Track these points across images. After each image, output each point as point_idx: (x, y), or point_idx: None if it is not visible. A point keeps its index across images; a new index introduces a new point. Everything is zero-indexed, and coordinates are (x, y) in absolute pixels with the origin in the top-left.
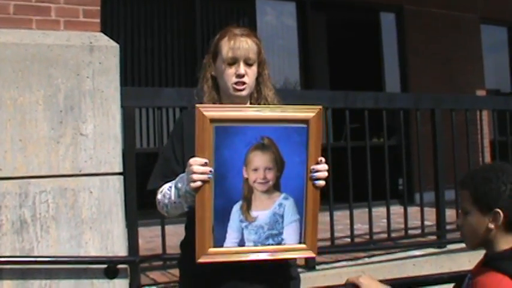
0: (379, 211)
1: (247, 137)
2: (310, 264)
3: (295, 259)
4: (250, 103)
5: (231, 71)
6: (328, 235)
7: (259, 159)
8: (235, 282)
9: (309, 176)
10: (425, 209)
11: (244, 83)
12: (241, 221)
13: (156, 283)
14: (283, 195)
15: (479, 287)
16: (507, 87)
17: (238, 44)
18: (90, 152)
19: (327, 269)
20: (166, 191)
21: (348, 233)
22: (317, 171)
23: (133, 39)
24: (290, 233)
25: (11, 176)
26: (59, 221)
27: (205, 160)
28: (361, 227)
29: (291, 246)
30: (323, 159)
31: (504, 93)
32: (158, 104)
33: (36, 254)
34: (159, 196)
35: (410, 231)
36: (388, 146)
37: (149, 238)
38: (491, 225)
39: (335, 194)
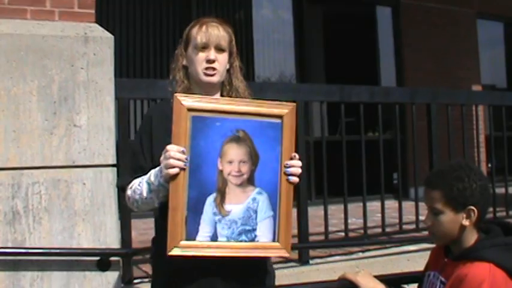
0: (374, 205)
1: (223, 128)
2: (303, 259)
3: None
4: (222, 95)
5: (201, 55)
6: (322, 229)
7: (234, 152)
8: (211, 278)
9: (283, 171)
10: (420, 203)
11: (214, 69)
12: (214, 214)
13: (148, 276)
14: (257, 189)
15: (471, 279)
16: (503, 82)
17: (209, 30)
18: (84, 143)
19: (321, 263)
20: (137, 187)
21: (342, 227)
22: (291, 166)
23: (129, 31)
24: (264, 230)
25: (4, 166)
26: (51, 212)
27: (182, 148)
28: (355, 222)
29: (265, 244)
30: (297, 156)
31: (500, 89)
32: (152, 95)
33: (28, 245)
34: (128, 192)
35: (404, 226)
36: (383, 140)
37: (142, 230)
38: (466, 222)
39: (329, 188)
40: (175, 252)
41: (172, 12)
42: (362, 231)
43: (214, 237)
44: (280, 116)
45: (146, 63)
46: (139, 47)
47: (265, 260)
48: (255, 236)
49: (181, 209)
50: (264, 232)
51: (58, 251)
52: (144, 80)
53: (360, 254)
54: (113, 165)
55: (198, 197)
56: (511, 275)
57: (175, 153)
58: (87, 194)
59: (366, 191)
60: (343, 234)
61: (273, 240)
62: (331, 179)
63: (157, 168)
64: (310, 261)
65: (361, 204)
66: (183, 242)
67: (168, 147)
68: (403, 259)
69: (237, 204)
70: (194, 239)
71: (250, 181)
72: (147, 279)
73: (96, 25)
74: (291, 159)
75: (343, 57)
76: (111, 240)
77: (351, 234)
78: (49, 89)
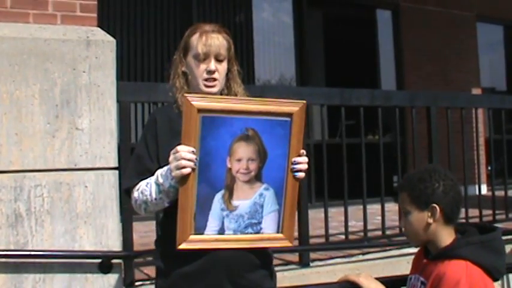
0: (374, 208)
1: (232, 127)
2: (304, 261)
3: (272, 257)
4: None
5: (202, 67)
6: (322, 232)
7: (243, 150)
8: (218, 278)
9: (290, 167)
10: None
11: (214, 80)
12: (222, 210)
13: (149, 278)
14: (264, 185)
15: (449, 278)
16: (502, 85)
17: (210, 41)
18: (86, 146)
19: (321, 265)
20: (145, 188)
21: (342, 230)
22: (298, 163)
23: (130, 34)
24: (269, 223)
25: (6, 169)
26: (53, 215)
27: (193, 148)
28: (355, 224)
29: (269, 235)
30: (304, 152)
31: (499, 92)
32: (154, 99)
33: (30, 247)
34: (135, 194)
35: None
36: (384, 143)
37: (143, 233)
38: (430, 220)
39: (330, 191)
40: (184, 246)
41: (173, 15)
42: (362, 233)
43: (221, 231)
44: (289, 114)
45: (147, 67)
46: (140, 50)
47: (270, 262)
48: (261, 228)
49: (191, 207)
50: (269, 224)
51: (60, 253)
52: (145, 83)
53: (360, 257)
54: (114, 168)
55: (206, 194)
56: (487, 272)
57: (186, 154)
58: (89, 197)
59: (366, 193)
60: (343, 236)
61: (277, 232)
62: (332, 182)
63: (166, 170)
64: (311, 264)
65: (361, 207)
66: (192, 237)
67: (179, 147)
68: (403, 261)
69: (244, 200)
70: (202, 234)
71: (257, 177)
72: (148, 282)
73: (98, 29)
74: (299, 155)
75: (343, 60)
76: (113, 242)
77: (351, 236)
78: (51, 92)
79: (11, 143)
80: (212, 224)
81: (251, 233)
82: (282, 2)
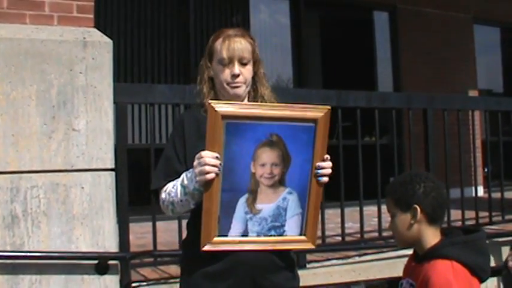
0: (371, 210)
1: (256, 133)
2: (300, 263)
3: (294, 260)
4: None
5: (226, 71)
6: (319, 233)
7: (267, 156)
8: (241, 279)
9: (314, 172)
10: None
11: (239, 82)
12: (246, 213)
13: (146, 279)
14: (287, 189)
15: (435, 278)
16: (499, 87)
17: (232, 45)
18: (82, 147)
19: (318, 267)
20: (171, 189)
21: (339, 231)
22: (322, 168)
23: (127, 35)
24: (292, 225)
25: (3, 170)
26: (50, 216)
27: (217, 154)
28: (352, 226)
29: (292, 238)
30: (328, 157)
31: (496, 94)
32: (151, 100)
33: (26, 249)
34: (163, 195)
35: None
36: (380, 145)
37: (140, 234)
38: (412, 221)
39: (326, 193)
40: (208, 248)
41: (170, 16)
42: (359, 235)
43: (245, 234)
44: (314, 120)
45: (144, 68)
46: (137, 52)
47: (293, 265)
48: (284, 231)
49: (215, 210)
50: (292, 227)
51: (56, 254)
52: (142, 84)
53: (357, 258)
54: (111, 169)
55: (231, 198)
56: (472, 271)
57: (210, 160)
58: (86, 198)
59: (363, 195)
60: (340, 238)
61: (300, 234)
62: (328, 183)
63: (191, 173)
64: (307, 265)
65: (358, 208)
66: (216, 239)
67: (203, 153)
68: (399, 263)
69: (267, 203)
70: (226, 236)
71: (281, 182)
72: (145, 283)
73: (95, 30)
74: (323, 160)
75: (340, 61)
76: (109, 244)
77: (348, 238)
78: (48, 94)
79: (7, 144)
80: (236, 227)
81: (274, 236)
82: (279, 4)
